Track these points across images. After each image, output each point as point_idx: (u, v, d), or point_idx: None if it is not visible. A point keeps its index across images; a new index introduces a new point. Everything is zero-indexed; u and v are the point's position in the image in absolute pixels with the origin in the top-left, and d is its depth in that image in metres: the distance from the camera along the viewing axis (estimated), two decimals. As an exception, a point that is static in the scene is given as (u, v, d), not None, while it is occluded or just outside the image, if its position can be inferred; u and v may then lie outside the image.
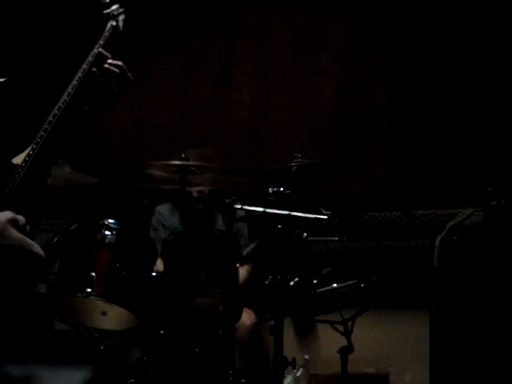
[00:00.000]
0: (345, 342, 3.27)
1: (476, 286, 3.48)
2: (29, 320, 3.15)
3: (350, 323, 3.26)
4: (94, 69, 2.16)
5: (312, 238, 3.45)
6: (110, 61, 2.19)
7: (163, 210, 4.13)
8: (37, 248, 1.93)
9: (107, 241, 3.11)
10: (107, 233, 3.12)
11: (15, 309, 2.00)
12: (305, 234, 3.35)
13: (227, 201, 3.27)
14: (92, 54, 2.18)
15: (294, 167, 3.44)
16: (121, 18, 2.38)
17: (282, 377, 3.23)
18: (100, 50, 2.19)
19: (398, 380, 4.26)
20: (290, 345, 3.40)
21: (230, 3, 4.97)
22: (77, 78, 2.13)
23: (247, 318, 3.71)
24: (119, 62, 2.21)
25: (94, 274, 3.01)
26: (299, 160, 3.44)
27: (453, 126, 4.58)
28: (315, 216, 3.28)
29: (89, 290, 2.99)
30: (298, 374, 3.67)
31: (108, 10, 2.36)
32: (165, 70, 4.98)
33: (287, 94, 4.87)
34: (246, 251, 3.81)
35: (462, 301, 3.52)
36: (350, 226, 4.03)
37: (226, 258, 3.18)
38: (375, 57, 4.78)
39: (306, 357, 3.83)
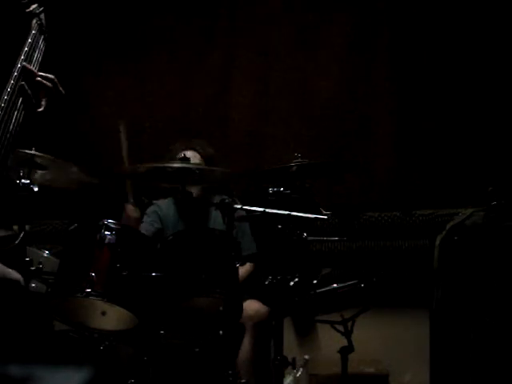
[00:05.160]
0: (345, 342, 3.27)
1: (476, 285, 3.48)
2: (29, 320, 3.15)
3: (349, 323, 3.26)
4: (23, 82, 2.16)
5: (312, 238, 3.45)
6: (42, 74, 2.20)
7: (161, 203, 4.16)
8: (14, 274, 1.97)
9: (107, 241, 3.11)
10: (107, 233, 3.12)
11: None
12: (305, 234, 3.35)
13: (227, 201, 3.26)
14: (17, 68, 2.18)
15: (294, 167, 3.44)
16: (42, 15, 2.39)
17: (282, 377, 3.23)
18: (23, 64, 2.20)
19: (398, 380, 4.26)
20: (290, 345, 3.40)
21: (230, 3, 4.97)
22: (6, 92, 2.14)
23: (258, 306, 3.73)
24: (50, 76, 2.23)
25: (93, 274, 3.01)
26: (299, 160, 3.44)
27: (453, 126, 4.59)
28: (315, 216, 3.27)
29: (89, 290, 2.99)
30: (297, 374, 3.66)
31: (29, 9, 2.37)
32: (165, 70, 4.98)
33: (287, 93, 4.86)
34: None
35: (462, 301, 3.51)
36: (350, 226, 4.03)
37: (226, 257, 3.18)
38: (375, 57, 4.78)
39: (306, 357, 3.82)
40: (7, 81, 2.16)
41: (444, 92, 4.62)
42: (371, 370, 4.18)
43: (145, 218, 4.06)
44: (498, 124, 4.49)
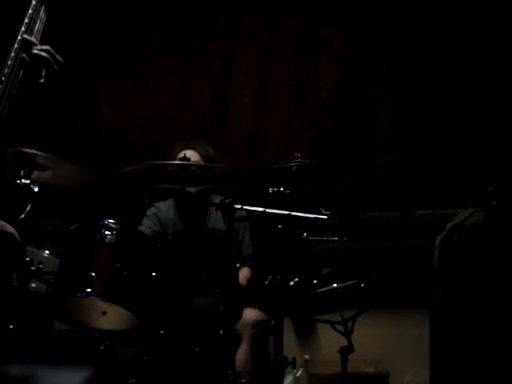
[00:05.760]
0: (345, 342, 3.27)
1: (476, 286, 3.48)
2: (29, 320, 3.15)
3: (350, 323, 3.26)
4: (24, 55, 2.17)
5: (312, 238, 3.45)
6: (37, 46, 2.21)
7: (161, 205, 4.15)
8: (8, 228, 1.98)
9: (107, 241, 3.11)
10: (107, 233, 3.12)
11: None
12: (305, 234, 3.35)
13: (227, 201, 3.26)
14: (17, 40, 2.19)
15: (294, 167, 3.44)
16: None
17: (282, 377, 3.23)
18: (24, 36, 2.21)
19: (398, 380, 4.26)
20: (290, 345, 3.40)
21: (230, 3, 4.97)
22: (7, 65, 2.15)
23: (256, 314, 3.71)
24: (46, 47, 2.23)
25: (94, 274, 3.01)
26: (299, 160, 3.44)
27: (453, 126, 4.58)
28: (315, 216, 3.27)
29: (89, 289, 2.99)
30: (297, 374, 3.67)
31: None
32: (165, 70, 4.98)
33: (287, 93, 4.86)
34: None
35: (462, 301, 3.52)
36: (350, 226, 4.03)
37: (226, 258, 3.18)
38: (375, 57, 4.78)
39: (306, 357, 3.82)
40: (8, 53, 2.18)
41: (444, 92, 4.62)
42: (371, 370, 4.18)
43: (144, 221, 4.06)
44: (498, 124, 4.49)
